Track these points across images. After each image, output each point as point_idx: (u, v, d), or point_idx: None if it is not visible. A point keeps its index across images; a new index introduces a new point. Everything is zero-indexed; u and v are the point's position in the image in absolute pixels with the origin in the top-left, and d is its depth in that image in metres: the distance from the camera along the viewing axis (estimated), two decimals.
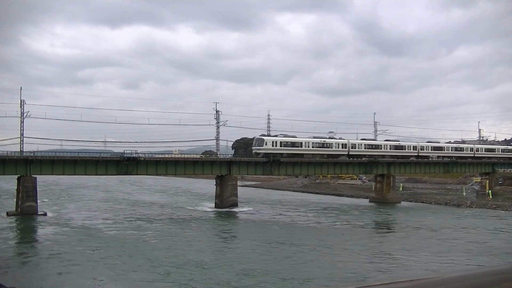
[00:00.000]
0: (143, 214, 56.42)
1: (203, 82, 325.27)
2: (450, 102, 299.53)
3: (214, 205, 64.18)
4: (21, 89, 64.78)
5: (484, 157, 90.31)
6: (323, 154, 70.84)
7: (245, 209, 61.99)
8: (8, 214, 53.12)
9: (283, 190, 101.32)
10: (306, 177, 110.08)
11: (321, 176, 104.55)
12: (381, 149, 76.97)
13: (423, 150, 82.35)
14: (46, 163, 54.49)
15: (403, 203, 73.10)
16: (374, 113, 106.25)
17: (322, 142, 71.53)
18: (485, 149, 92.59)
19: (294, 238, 39.91)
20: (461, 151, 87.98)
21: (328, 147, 71.41)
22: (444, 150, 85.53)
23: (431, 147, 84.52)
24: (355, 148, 74.08)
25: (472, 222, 50.47)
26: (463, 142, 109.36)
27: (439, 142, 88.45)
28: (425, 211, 62.73)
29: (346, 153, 72.89)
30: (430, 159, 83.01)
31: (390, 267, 29.16)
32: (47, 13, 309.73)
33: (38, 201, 55.42)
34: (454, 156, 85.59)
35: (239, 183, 74.73)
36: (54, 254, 32.23)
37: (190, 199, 77.13)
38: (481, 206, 65.28)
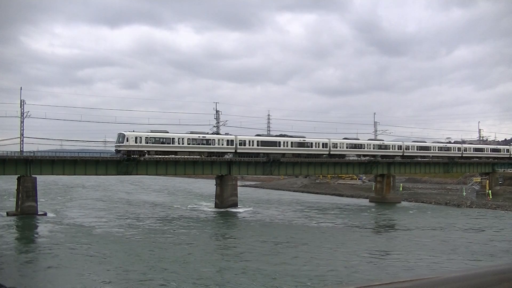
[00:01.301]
0: (142, 214, 56.44)
1: (203, 82, 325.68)
2: (450, 102, 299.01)
3: (214, 205, 64.23)
4: (21, 89, 64.70)
5: (415, 157, 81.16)
6: (202, 152, 62.77)
7: (245, 209, 62.01)
8: (8, 214, 53.11)
9: (283, 190, 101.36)
10: (306, 177, 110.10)
11: (321, 176, 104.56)
12: (279, 146, 67.99)
13: (336, 148, 73.07)
14: (46, 163, 54.48)
15: (403, 203, 73.12)
16: (374, 113, 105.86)
17: (202, 138, 62.88)
18: (417, 147, 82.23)
19: (290, 238, 40.05)
20: (386, 149, 78.12)
21: (210, 144, 63.00)
22: (365, 148, 76.12)
23: (347, 144, 74.95)
24: (244, 145, 65.25)
25: (471, 222, 50.47)
26: (464, 142, 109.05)
27: (358, 139, 78.70)
28: (425, 211, 62.72)
29: (233, 151, 64.79)
30: (347, 158, 74.70)
31: (373, 267, 29.20)
32: (46, 13, 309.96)
33: (38, 201, 55.39)
34: (378, 155, 76.74)
35: (239, 183, 74.73)
36: (54, 254, 32.25)
37: (190, 199, 77.14)
38: (481, 206, 65.30)
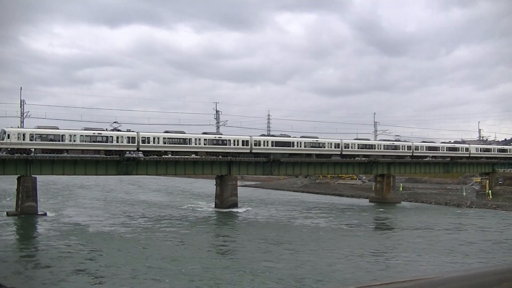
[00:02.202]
0: (141, 214, 56.46)
1: (202, 82, 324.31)
2: (450, 102, 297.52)
3: (214, 205, 64.26)
4: (21, 89, 64.97)
5: (356, 156, 75.25)
6: (99, 150, 57.28)
7: (245, 209, 62.04)
8: (8, 214, 53.09)
9: (283, 190, 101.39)
10: (306, 177, 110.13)
11: (321, 176, 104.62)
12: (190, 144, 62.02)
13: (259, 145, 66.54)
14: (46, 163, 54.48)
15: (403, 203, 73.17)
16: (374, 113, 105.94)
17: (98, 135, 57.06)
18: (358, 145, 75.53)
19: (286, 237, 40.30)
20: (321, 147, 71.72)
21: (108, 142, 57.24)
22: (294, 146, 69.50)
23: (273, 142, 68.05)
24: (148, 142, 59.64)
25: (471, 222, 50.49)
26: (464, 142, 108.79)
27: (288, 136, 71.77)
28: (424, 211, 62.78)
29: (135, 148, 59.41)
30: (273, 158, 66.92)
31: (368, 268, 29.28)
32: (45, 13, 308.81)
33: (38, 201, 55.38)
34: (313, 154, 70.73)
35: (239, 183, 74.70)
36: (53, 254, 32.30)
37: (190, 199, 77.17)
38: (481, 206, 65.33)
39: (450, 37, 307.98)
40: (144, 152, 60.06)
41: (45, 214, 52.99)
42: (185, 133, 63.41)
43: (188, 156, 62.13)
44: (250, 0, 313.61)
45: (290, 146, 69.48)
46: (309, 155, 70.86)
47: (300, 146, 70.21)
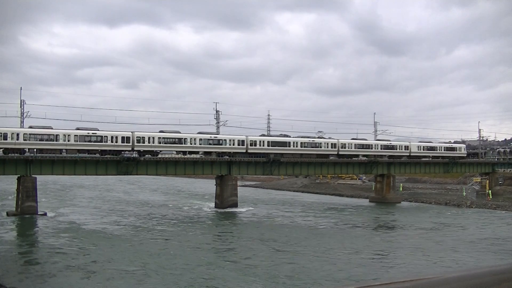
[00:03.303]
0: (141, 214, 56.45)
1: (202, 82, 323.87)
2: (450, 102, 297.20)
3: (214, 205, 64.26)
4: (21, 89, 64.85)
5: (263, 154, 67.24)
6: None
7: (245, 209, 62.06)
8: (8, 214, 53.11)
9: (283, 190, 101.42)
10: (306, 177, 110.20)
11: (321, 176, 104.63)
12: (57, 140, 55.38)
13: (144, 142, 60.59)
14: (46, 163, 54.48)
15: (403, 203, 73.18)
16: (374, 113, 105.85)
17: None
18: (269, 142, 68.90)
19: (285, 237, 40.35)
20: (220, 144, 65.15)
21: None
22: (189, 144, 63.24)
23: (163, 139, 61.89)
24: (24, 140, 53.85)
25: (471, 222, 50.48)
26: (464, 142, 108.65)
27: (179, 132, 65.25)
28: (424, 211, 62.77)
29: (14, 146, 53.69)
30: (164, 155, 63.08)
31: (366, 267, 29.30)
32: (45, 12, 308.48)
33: (38, 201, 55.38)
34: (213, 152, 64.82)
35: (239, 183, 74.67)
36: (54, 254, 32.33)
37: (190, 199, 77.17)
38: (481, 206, 65.32)
39: (450, 37, 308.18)
40: (15, 150, 54.35)
41: (45, 214, 53.00)
42: (52, 128, 56.96)
43: (187, 156, 62.18)
44: (250, 0, 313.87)
45: (182, 143, 62.93)
46: (209, 153, 64.90)
47: (195, 144, 63.56)
